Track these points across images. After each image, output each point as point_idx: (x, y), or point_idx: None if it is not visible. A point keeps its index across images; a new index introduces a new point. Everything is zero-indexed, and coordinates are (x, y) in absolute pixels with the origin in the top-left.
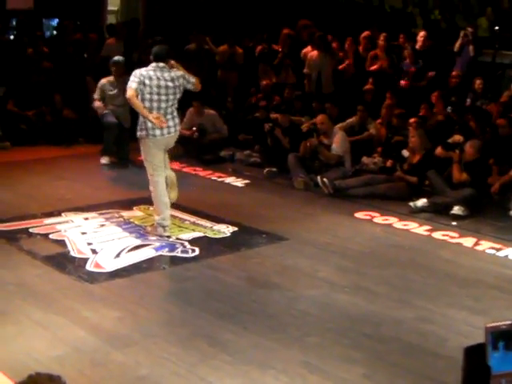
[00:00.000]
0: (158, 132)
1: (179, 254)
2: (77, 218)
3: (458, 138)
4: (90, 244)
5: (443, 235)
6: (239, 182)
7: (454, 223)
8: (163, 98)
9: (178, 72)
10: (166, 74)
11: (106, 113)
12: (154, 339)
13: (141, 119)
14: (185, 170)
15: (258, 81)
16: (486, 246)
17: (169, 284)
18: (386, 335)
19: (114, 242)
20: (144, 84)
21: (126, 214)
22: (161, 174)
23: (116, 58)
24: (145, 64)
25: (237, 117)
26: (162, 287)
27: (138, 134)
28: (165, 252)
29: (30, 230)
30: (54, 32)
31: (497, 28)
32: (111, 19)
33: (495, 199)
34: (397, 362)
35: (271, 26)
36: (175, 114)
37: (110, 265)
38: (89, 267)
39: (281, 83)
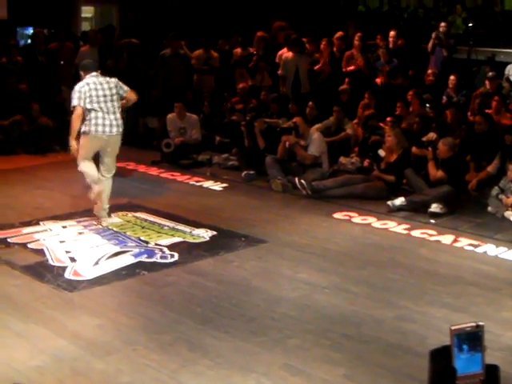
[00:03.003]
0: (100, 129)
1: (158, 260)
2: (55, 227)
3: (432, 135)
4: (68, 252)
5: (422, 233)
6: (217, 186)
7: (433, 221)
8: (103, 102)
9: (112, 79)
10: (102, 80)
11: None
12: (135, 346)
13: (90, 118)
14: (163, 175)
15: (235, 84)
16: (464, 242)
17: (148, 290)
18: (366, 335)
19: (92, 249)
20: (86, 94)
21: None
22: (87, 163)
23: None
24: (120, 70)
25: (213, 121)
26: (141, 293)
27: (83, 129)
28: (144, 258)
29: (9, 240)
30: (29, 41)
31: (471, 25)
32: (85, 26)
33: (473, 196)
34: (378, 361)
35: (246, 28)
36: (118, 116)
37: (89, 272)
38: (68, 275)
39: (257, 86)
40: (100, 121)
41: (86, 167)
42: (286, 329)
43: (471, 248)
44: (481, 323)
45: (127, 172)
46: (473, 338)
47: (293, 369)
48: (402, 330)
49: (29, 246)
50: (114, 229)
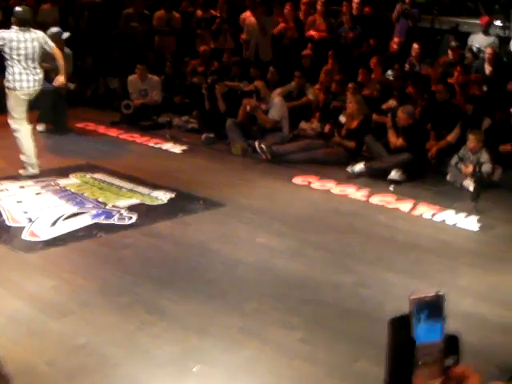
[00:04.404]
0: (19, 85)
1: (116, 222)
2: (12, 187)
3: (391, 103)
4: (25, 213)
5: (381, 200)
6: (177, 149)
7: (392, 188)
8: (25, 56)
9: (39, 33)
10: (27, 35)
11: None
12: (92, 308)
13: (6, 72)
14: (122, 136)
15: (196, 46)
16: (422, 210)
17: (106, 252)
18: (323, 300)
19: (50, 210)
20: (7, 45)
21: (62, 181)
22: (22, 128)
23: (54, 30)
24: (81, 29)
25: (174, 82)
26: (98, 255)
27: (6, 84)
28: (101, 220)
29: None
30: None
31: None
32: None
33: (432, 164)
34: (334, 326)
35: None
36: (38, 71)
37: (45, 233)
38: (24, 236)
39: (219, 49)
40: (24, 77)
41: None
42: (244, 292)
43: (429, 216)
44: (441, 292)
45: (86, 132)
46: (433, 308)
47: (249, 332)
48: (360, 295)
49: None
50: (72, 190)
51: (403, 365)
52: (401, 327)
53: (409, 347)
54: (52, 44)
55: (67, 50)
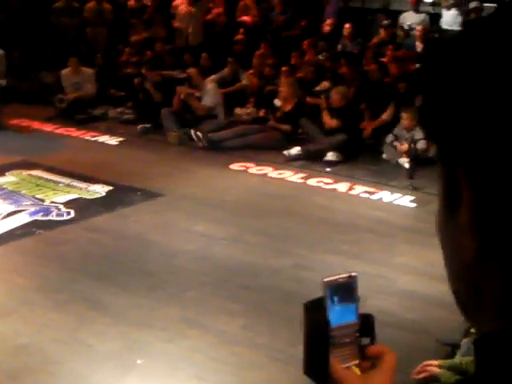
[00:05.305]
0: None
1: (54, 218)
2: None
3: (325, 84)
4: None
5: (318, 182)
6: (113, 140)
7: (328, 169)
8: None
9: None
10: None
11: None
12: (32, 306)
13: None
14: (57, 131)
15: (128, 36)
16: (360, 190)
17: (44, 249)
18: (264, 285)
19: None
20: None
21: None
22: None
23: None
24: (12, 23)
25: (108, 74)
26: (37, 253)
27: None
28: (39, 216)
29: None
30: None
31: None
32: None
33: (368, 143)
34: (275, 310)
35: None
36: None
37: None
38: None
39: (151, 38)
40: None
41: None
42: (184, 282)
43: (367, 195)
44: (354, 274)
45: (21, 129)
46: (346, 289)
47: (191, 322)
48: (299, 278)
49: None
50: (9, 188)
51: (319, 347)
52: (315, 310)
53: (324, 329)
54: None
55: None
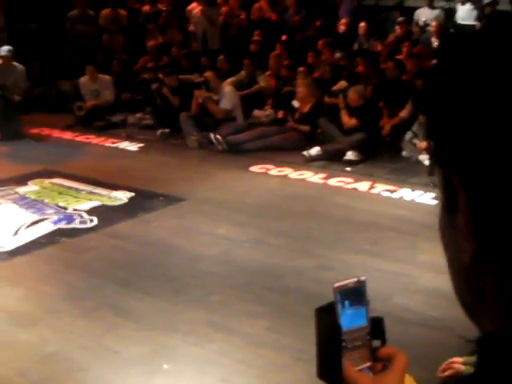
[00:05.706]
0: None
1: (78, 226)
2: None
3: (342, 84)
4: None
5: (338, 182)
6: (133, 146)
7: (348, 169)
8: None
9: None
10: None
11: None
12: (59, 314)
13: None
14: (77, 138)
15: (145, 42)
16: (380, 188)
17: (69, 257)
18: (287, 287)
19: (10, 219)
20: None
21: (21, 189)
22: None
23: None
24: (28, 33)
25: (125, 80)
26: (62, 261)
27: None
28: (63, 225)
29: None
30: None
31: None
32: None
33: (387, 141)
34: (299, 312)
35: None
36: None
37: (8, 243)
38: None
39: (168, 43)
40: None
41: None
42: (208, 286)
43: (388, 193)
44: (362, 278)
45: (42, 137)
46: (356, 293)
47: (216, 325)
48: (322, 278)
49: None
50: (32, 197)
51: (332, 351)
52: (327, 315)
53: (336, 334)
54: None
55: (20, 66)
